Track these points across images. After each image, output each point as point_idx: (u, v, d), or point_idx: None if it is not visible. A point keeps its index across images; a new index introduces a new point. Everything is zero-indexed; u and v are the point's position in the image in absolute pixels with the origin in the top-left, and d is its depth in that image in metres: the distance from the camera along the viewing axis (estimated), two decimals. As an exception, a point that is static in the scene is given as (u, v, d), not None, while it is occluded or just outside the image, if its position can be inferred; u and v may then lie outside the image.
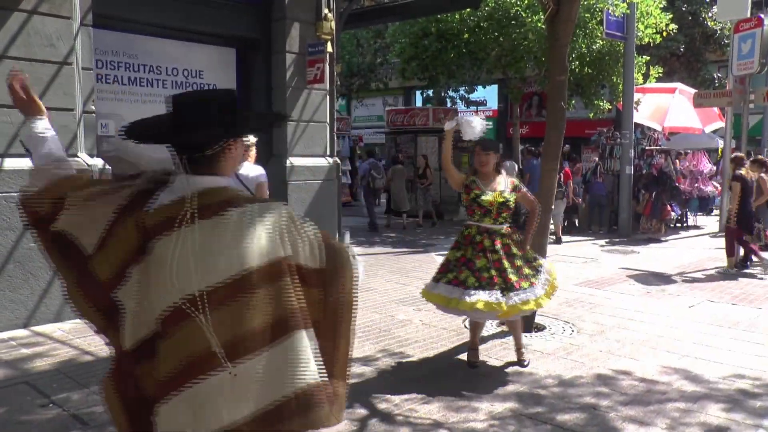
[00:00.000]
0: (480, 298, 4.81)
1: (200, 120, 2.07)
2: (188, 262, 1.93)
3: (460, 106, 20.38)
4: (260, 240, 1.97)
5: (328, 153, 9.63)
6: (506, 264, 4.97)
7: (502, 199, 5.07)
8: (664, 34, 15.12)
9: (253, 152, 5.48)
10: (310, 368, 1.98)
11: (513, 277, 4.93)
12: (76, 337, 5.94)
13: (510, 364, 5.28)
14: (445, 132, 5.32)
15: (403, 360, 5.39)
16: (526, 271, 5.08)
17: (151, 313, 1.98)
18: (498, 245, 5.02)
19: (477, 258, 4.99)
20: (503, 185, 5.15)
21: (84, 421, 4.12)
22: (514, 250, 5.09)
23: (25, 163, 6.21)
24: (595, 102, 15.83)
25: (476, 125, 5.06)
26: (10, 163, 6.15)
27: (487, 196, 5.05)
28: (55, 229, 2.08)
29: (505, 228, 5.13)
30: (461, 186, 5.24)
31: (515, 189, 5.20)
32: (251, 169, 5.25)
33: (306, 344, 1.98)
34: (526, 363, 5.25)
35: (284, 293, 1.97)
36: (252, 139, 5.25)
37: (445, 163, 5.39)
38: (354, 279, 2.22)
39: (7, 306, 6.12)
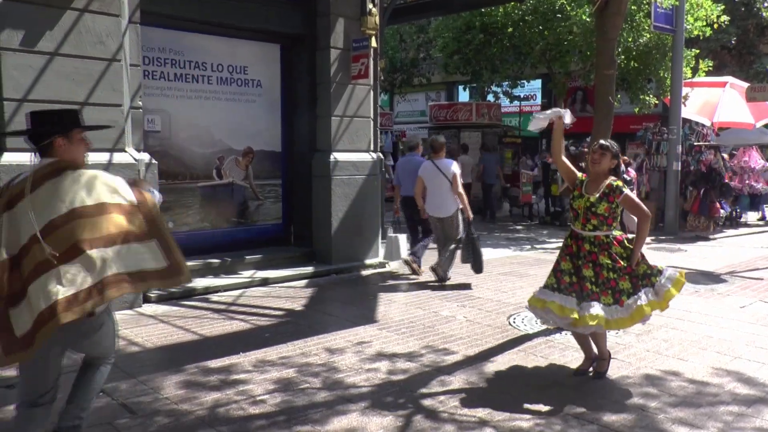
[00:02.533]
0: (555, 299, 4.71)
1: (35, 126, 3.20)
2: (37, 210, 2.99)
3: (504, 101, 20.21)
4: (88, 190, 3.07)
5: (371, 148, 9.64)
6: (587, 273, 4.66)
7: (587, 204, 4.68)
8: (715, 26, 14.74)
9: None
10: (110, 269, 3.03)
11: (591, 287, 4.63)
12: (124, 328, 6.05)
13: (553, 364, 5.21)
14: (554, 125, 4.90)
15: (447, 356, 5.36)
16: (621, 286, 4.65)
17: (16, 243, 3.02)
18: (583, 252, 4.73)
19: (563, 260, 4.83)
20: (601, 188, 4.71)
21: (132, 410, 4.20)
22: (603, 260, 4.66)
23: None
24: (641, 97, 15.53)
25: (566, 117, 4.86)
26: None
27: (579, 200, 4.75)
28: None
29: (597, 235, 4.70)
30: (572, 183, 4.90)
31: (610, 194, 4.66)
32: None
33: (103, 256, 3.00)
34: (602, 373, 4.89)
35: (101, 223, 3.04)
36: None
37: (556, 157, 5.02)
38: (152, 201, 3.31)
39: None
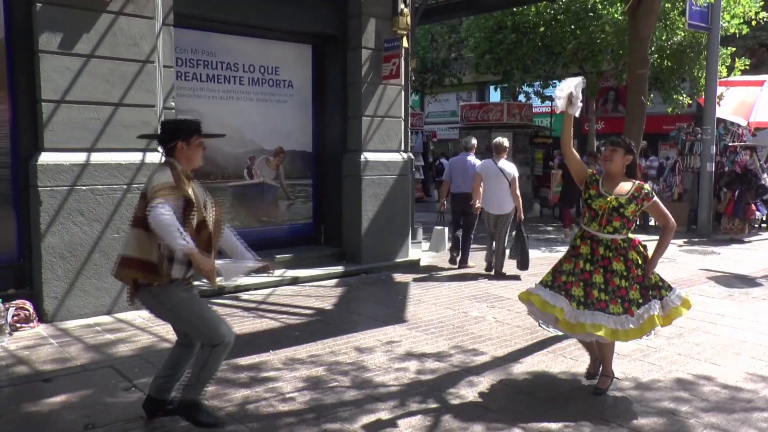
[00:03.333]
0: (539, 293, 4.51)
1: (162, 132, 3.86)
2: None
3: (535, 101, 20.08)
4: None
5: (402, 148, 9.66)
6: (597, 279, 4.38)
7: (614, 204, 4.38)
8: (753, 23, 14.47)
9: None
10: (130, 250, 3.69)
11: (598, 294, 4.36)
12: (155, 325, 6.15)
13: (583, 367, 5.17)
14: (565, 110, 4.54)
15: (476, 357, 5.35)
16: (631, 296, 4.39)
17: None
18: (597, 255, 4.43)
19: (567, 261, 4.56)
20: (627, 190, 4.46)
21: (164, 406, 4.27)
22: (617, 266, 4.40)
23: (109, 158, 6.48)
24: (675, 97, 15.30)
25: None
26: (96, 157, 6.42)
27: (600, 199, 4.43)
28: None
29: (615, 238, 4.44)
30: (582, 181, 4.60)
31: (640, 197, 4.43)
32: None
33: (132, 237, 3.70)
34: (602, 391, 4.58)
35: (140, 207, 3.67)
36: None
37: (565, 148, 4.67)
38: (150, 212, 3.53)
39: (93, 293, 6.40)
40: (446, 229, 10.55)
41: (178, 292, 3.73)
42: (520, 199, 8.92)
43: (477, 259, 9.63)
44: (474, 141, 9.92)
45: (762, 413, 4.27)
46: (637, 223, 14.08)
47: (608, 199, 4.41)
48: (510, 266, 8.92)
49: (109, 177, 6.47)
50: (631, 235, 4.53)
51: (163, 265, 3.59)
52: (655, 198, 4.51)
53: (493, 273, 8.99)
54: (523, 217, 8.94)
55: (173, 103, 7.11)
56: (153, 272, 3.60)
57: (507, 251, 8.96)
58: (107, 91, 6.50)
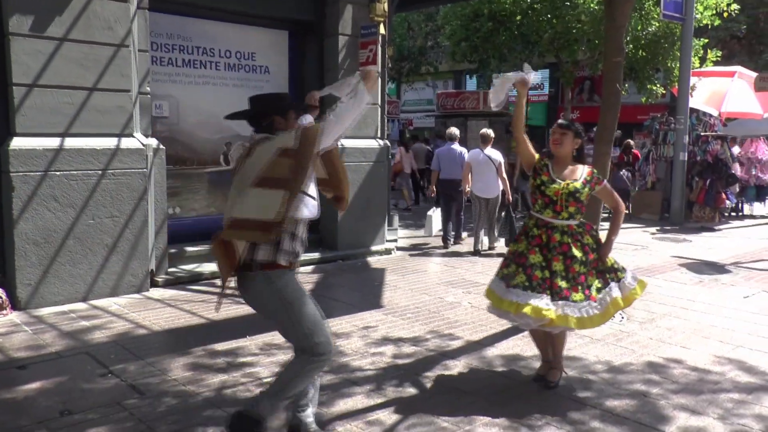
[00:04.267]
0: (529, 301, 4.19)
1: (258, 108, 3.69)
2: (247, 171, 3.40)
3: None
4: (267, 154, 3.34)
5: (378, 135, 9.66)
6: (557, 266, 4.26)
7: (570, 189, 4.31)
8: (725, 15, 14.66)
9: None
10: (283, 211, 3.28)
11: (561, 283, 4.23)
12: (131, 312, 6.13)
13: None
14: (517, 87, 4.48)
15: (452, 341, 5.41)
16: (590, 281, 4.30)
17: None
18: (554, 242, 4.31)
19: (531, 252, 4.34)
20: (579, 175, 4.40)
21: (141, 390, 4.26)
22: (575, 251, 4.29)
23: (84, 143, 6.41)
24: (649, 86, 15.47)
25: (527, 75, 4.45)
26: (70, 143, 6.34)
27: (555, 185, 4.33)
28: None
29: (570, 224, 4.35)
30: (530, 167, 4.49)
31: (593, 181, 4.40)
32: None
33: (281, 199, 3.27)
34: (553, 384, 4.47)
35: (276, 167, 3.29)
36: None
37: (517, 132, 4.56)
38: (309, 147, 3.33)
39: (68, 280, 6.35)
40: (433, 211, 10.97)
41: (297, 280, 3.45)
42: (507, 181, 9.86)
43: (468, 243, 9.70)
44: (457, 131, 10.66)
45: (728, 394, 4.38)
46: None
47: (563, 184, 4.32)
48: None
49: (84, 162, 6.40)
50: (582, 220, 4.48)
51: (283, 225, 3.25)
52: (605, 182, 4.54)
53: (482, 251, 9.74)
54: (510, 198, 9.95)
55: (149, 88, 7.04)
56: (268, 231, 3.23)
57: (496, 230, 10.14)
58: (81, 75, 6.42)
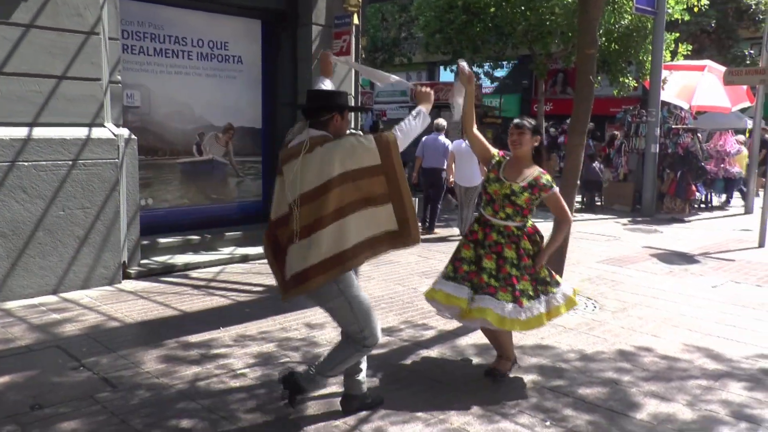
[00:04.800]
0: (442, 288, 4.31)
1: (317, 103, 3.61)
2: (296, 178, 3.42)
3: (485, 81, 20.22)
4: (333, 162, 3.34)
5: (352, 126, 9.62)
6: (488, 264, 4.23)
7: (507, 191, 4.22)
8: (695, 10, 14.84)
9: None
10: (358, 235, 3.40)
11: (488, 280, 4.21)
12: (103, 304, 6.05)
13: (530, 339, 5.30)
14: (459, 78, 4.36)
15: (426, 331, 5.44)
16: (522, 286, 4.22)
17: (284, 204, 3.52)
18: (490, 240, 4.27)
19: (465, 247, 4.38)
20: (524, 178, 4.26)
21: (113, 383, 4.21)
22: (508, 253, 4.24)
23: (53, 133, 6.30)
24: (621, 79, 15.62)
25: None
26: (38, 132, 6.23)
27: (496, 184, 4.27)
28: None
29: (508, 225, 4.27)
30: (486, 162, 4.47)
31: (537, 186, 4.24)
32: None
33: (353, 223, 3.38)
34: (501, 374, 4.45)
35: (346, 192, 3.35)
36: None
37: (466, 129, 4.50)
38: (398, 154, 3.45)
39: (37, 272, 6.25)
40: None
41: (353, 276, 3.60)
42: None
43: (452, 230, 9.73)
44: (444, 122, 11.05)
45: (696, 381, 4.46)
46: (583, 202, 14.46)
47: (505, 184, 4.24)
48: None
49: (53, 153, 6.29)
50: (530, 222, 4.38)
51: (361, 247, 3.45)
52: (555, 189, 4.29)
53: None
54: None
55: (119, 77, 6.93)
56: (344, 263, 3.41)
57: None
58: (49, 62, 6.30)
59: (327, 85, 4.03)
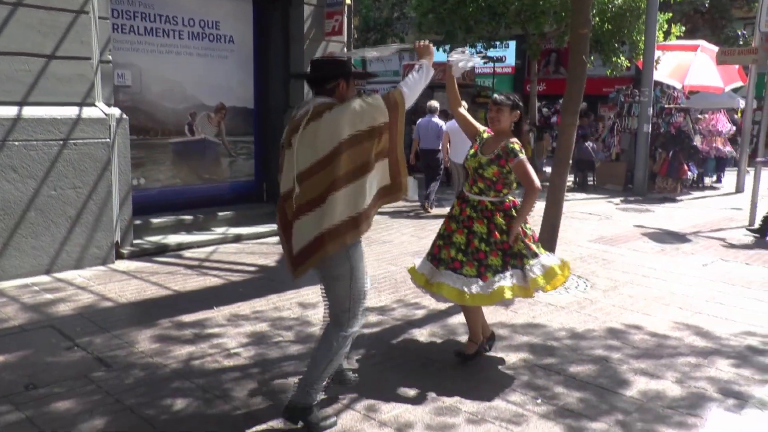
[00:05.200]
0: (415, 262, 4.42)
1: (326, 71, 3.52)
2: (310, 142, 3.34)
3: (478, 62, 20.14)
4: (342, 125, 3.26)
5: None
6: (458, 239, 4.20)
7: (475, 165, 4.23)
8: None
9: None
10: (370, 197, 3.37)
11: (455, 254, 4.19)
12: (96, 284, 6.06)
13: (521, 318, 5.34)
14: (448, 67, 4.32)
15: (418, 311, 5.47)
16: (490, 261, 4.12)
17: (290, 178, 3.41)
18: (464, 215, 4.24)
19: (444, 222, 4.39)
20: (494, 150, 4.20)
21: (107, 363, 4.23)
22: (478, 228, 4.16)
23: (44, 112, 6.26)
24: (614, 59, 15.60)
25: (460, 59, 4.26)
26: (29, 112, 6.19)
27: (472, 159, 4.28)
28: None
29: (482, 200, 4.21)
30: (473, 138, 4.45)
31: (503, 157, 4.14)
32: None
33: (367, 184, 3.33)
34: (464, 357, 4.39)
35: (357, 154, 3.28)
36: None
37: (453, 109, 4.51)
38: (401, 113, 3.41)
39: (30, 252, 6.24)
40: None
41: (362, 246, 3.51)
42: None
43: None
44: (437, 104, 11.57)
45: (685, 358, 4.52)
46: (576, 181, 14.49)
47: (476, 159, 4.25)
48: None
49: (44, 132, 6.25)
50: (510, 198, 4.28)
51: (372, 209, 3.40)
52: (521, 157, 4.14)
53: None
54: None
55: (110, 56, 6.88)
56: (358, 226, 3.32)
57: None
58: (39, 42, 6.24)
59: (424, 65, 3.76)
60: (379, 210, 3.59)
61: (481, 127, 4.46)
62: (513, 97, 4.32)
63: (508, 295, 4.06)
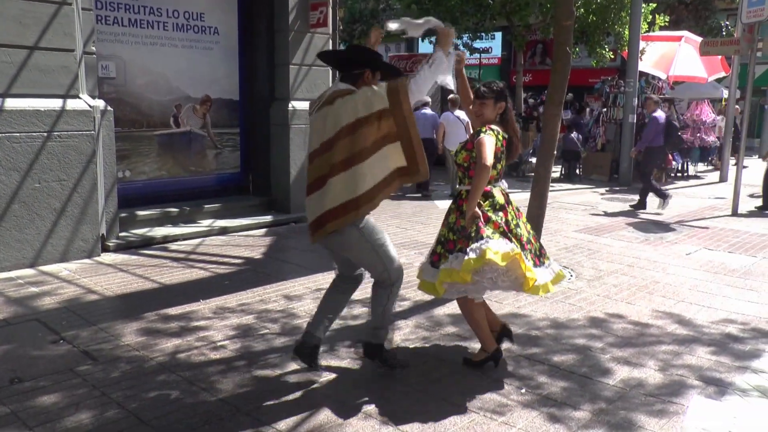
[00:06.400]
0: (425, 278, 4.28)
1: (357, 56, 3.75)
2: (320, 126, 3.62)
3: (466, 53, 20.13)
4: (347, 111, 3.50)
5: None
6: (441, 231, 4.20)
7: (454, 154, 4.32)
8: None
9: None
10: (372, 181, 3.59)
11: (435, 247, 4.22)
12: (82, 277, 6.04)
13: (507, 309, 5.38)
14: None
15: (402, 302, 5.49)
16: (459, 248, 4.00)
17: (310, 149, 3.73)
18: (451, 206, 4.24)
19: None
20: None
21: (93, 356, 4.23)
22: (450, 218, 4.15)
23: (27, 104, 6.22)
24: (598, 50, 15.66)
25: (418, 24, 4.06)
26: (11, 104, 6.14)
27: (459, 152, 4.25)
28: None
29: (462, 189, 4.16)
30: None
31: (470, 140, 4.13)
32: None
33: (366, 169, 3.55)
34: (470, 365, 4.21)
35: (355, 141, 3.49)
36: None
37: (465, 106, 4.45)
38: (406, 98, 3.53)
39: (14, 245, 6.21)
40: None
41: (372, 220, 3.79)
42: None
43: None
44: (428, 97, 12.30)
45: (666, 346, 4.58)
46: (562, 173, 14.56)
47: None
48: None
49: (27, 124, 6.21)
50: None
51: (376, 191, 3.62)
52: (482, 137, 3.98)
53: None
54: None
55: (94, 48, 6.84)
56: (358, 208, 3.60)
57: None
58: (20, 33, 6.19)
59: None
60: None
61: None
62: (497, 86, 4.19)
63: (445, 278, 3.97)
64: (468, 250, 3.87)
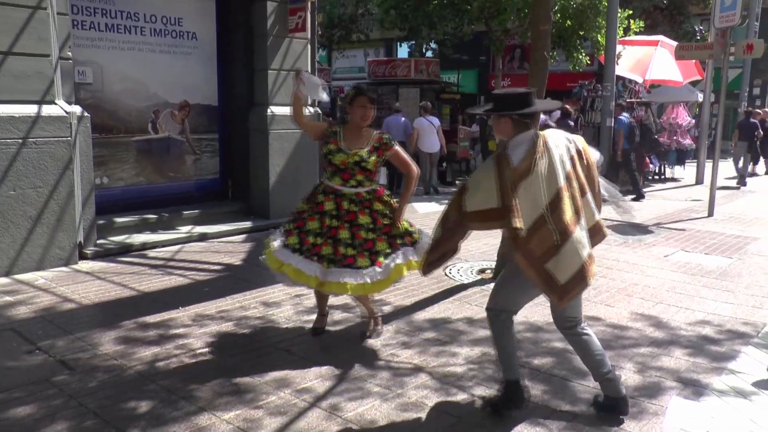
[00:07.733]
0: (291, 262, 4.37)
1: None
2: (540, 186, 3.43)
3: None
4: (560, 168, 3.46)
5: (309, 102, 9.57)
6: (343, 235, 4.39)
7: (356, 158, 4.42)
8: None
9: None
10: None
11: (344, 250, 4.36)
12: (58, 285, 5.97)
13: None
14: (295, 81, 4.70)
15: (384, 307, 5.48)
16: (379, 247, 4.43)
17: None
18: (342, 210, 4.43)
19: (310, 219, 4.47)
20: (367, 142, 4.50)
21: (70, 366, 4.17)
22: (363, 219, 4.42)
23: (0, 110, 6.14)
24: (575, 55, 15.80)
25: (316, 83, 4.72)
26: (-14, 111, 6.07)
27: (341, 154, 4.43)
28: None
29: (359, 191, 4.47)
30: (319, 137, 4.63)
31: (381, 148, 4.51)
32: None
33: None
34: (368, 334, 4.75)
35: (575, 194, 3.53)
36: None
37: (296, 115, 4.76)
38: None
39: (-12, 254, 6.12)
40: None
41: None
42: (444, 139, 13.47)
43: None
44: (400, 105, 14.02)
45: (643, 348, 4.62)
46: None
47: (350, 153, 4.42)
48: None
49: (2, 131, 6.13)
50: (377, 186, 4.58)
51: None
52: (396, 147, 4.58)
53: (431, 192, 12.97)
54: (446, 150, 13.64)
55: (70, 53, 6.77)
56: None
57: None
58: (-6, 39, 6.12)
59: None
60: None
61: (323, 124, 4.82)
62: (370, 93, 4.71)
63: (404, 271, 4.48)
64: (422, 242, 4.50)
